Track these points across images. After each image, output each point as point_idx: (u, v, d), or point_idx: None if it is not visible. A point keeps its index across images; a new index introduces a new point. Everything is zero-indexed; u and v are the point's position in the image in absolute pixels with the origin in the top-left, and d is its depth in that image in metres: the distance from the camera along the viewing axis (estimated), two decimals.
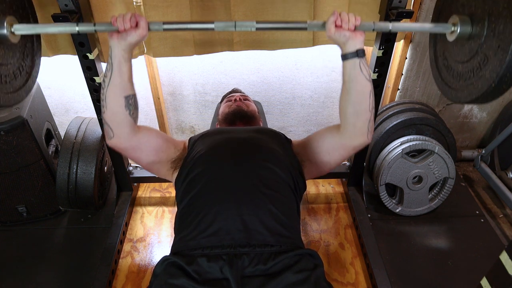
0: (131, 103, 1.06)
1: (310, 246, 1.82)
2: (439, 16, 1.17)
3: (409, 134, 1.82)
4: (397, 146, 1.78)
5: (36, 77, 1.23)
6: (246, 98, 1.59)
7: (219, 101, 1.81)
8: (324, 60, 2.00)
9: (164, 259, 0.98)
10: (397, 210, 1.88)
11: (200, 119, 2.23)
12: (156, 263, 1.00)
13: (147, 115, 2.16)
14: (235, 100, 1.52)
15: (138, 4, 1.56)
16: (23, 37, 1.14)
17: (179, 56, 1.71)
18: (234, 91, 1.75)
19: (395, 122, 1.82)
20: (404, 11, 1.36)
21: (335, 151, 1.16)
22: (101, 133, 1.81)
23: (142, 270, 1.72)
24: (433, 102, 2.12)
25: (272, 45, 1.69)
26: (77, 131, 1.80)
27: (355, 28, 1.01)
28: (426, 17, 1.79)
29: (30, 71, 1.16)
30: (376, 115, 1.76)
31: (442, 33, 1.07)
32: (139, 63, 1.89)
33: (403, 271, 1.66)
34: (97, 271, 1.64)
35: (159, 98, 2.04)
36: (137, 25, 1.00)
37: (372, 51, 1.58)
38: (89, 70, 1.52)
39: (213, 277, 0.91)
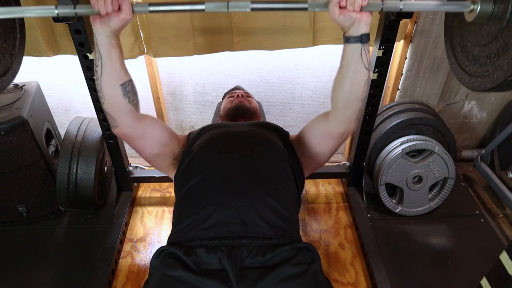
0: (129, 90, 1.02)
1: None
2: None
3: (409, 134, 1.82)
4: (397, 146, 1.78)
5: (21, 58, 1.14)
6: (248, 95, 1.59)
7: (219, 101, 1.81)
8: (324, 60, 2.00)
9: (161, 250, 0.97)
10: (397, 210, 1.88)
11: (200, 119, 2.23)
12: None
13: None
14: (237, 96, 1.53)
15: (138, 1, 1.56)
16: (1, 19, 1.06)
17: (179, 56, 1.70)
18: (237, 88, 1.75)
19: (395, 122, 1.82)
20: (404, 11, 1.35)
21: (324, 140, 1.15)
22: (101, 133, 1.80)
23: (142, 270, 1.72)
24: (433, 102, 2.12)
25: (272, 45, 1.69)
26: (77, 131, 1.80)
27: (361, 9, 0.92)
28: (426, 16, 1.79)
29: (13, 52, 1.08)
30: (376, 113, 1.75)
31: (460, 12, 0.95)
32: (139, 63, 1.88)
33: (403, 271, 1.66)
34: (97, 271, 1.64)
35: (159, 98, 2.04)
36: (119, 8, 0.92)
37: (372, 51, 1.57)
38: (89, 70, 1.52)
39: (212, 268, 0.91)
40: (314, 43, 1.70)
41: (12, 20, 1.15)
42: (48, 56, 1.65)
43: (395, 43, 1.55)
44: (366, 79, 1.00)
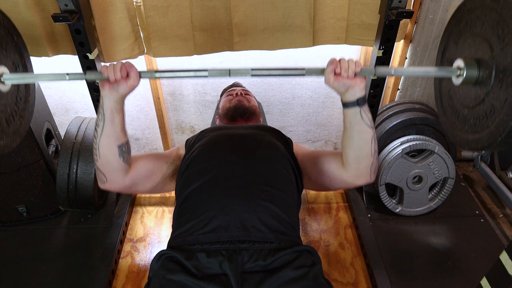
0: (125, 150, 1.05)
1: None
2: (443, 57, 1.08)
3: (409, 134, 1.82)
4: (397, 146, 1.79)
5: (30, 120, 1.15)
6: (247, 93, 1.57)
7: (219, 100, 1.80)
8: (324, 60, 1.97)
9: (162, 254, 0.97)
10: (397, 210, 1.88)
11: (200, 119, 2.23)
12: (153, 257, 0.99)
13: (147, 115, 2.16)
14: (236, 94, 1.51)
15: (138, 4, 1.56)
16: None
17: (179, 56, 1.70)
18: (235, 85, 1.73)
19: (395, 122, 1.82)
20: (404, 11, 1.36)
21: (336, 181, 1.14)
22: None
23: (142, 270, 1.72)
24: (433, 102, 2.11)
25: (272, 45, 1.69)
26: (77, 131, 1.80)
27: (355, 74, 0.97)
28: (426, 16, 1.79)
29: (23, 114, 1.10)
30: (376, 113, 1.75)
31: (448, 77, 0.99)
32: (139, 63, 1.88)
33: (403, 271, 1.66)
34: (97, 271, 1.64)
35: (159, 98, 2.04)
36: (128, 75, 0.97)
37: (372, 51, 1.58)
38: (89, 70, 1.52)
39: (212, 272, 0.91)
40: (314, 43, 1.70)
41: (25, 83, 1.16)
42: (48, 56, 1.65)
43: (395, 43, 1.55)
44: (371, 136, 1.03)
